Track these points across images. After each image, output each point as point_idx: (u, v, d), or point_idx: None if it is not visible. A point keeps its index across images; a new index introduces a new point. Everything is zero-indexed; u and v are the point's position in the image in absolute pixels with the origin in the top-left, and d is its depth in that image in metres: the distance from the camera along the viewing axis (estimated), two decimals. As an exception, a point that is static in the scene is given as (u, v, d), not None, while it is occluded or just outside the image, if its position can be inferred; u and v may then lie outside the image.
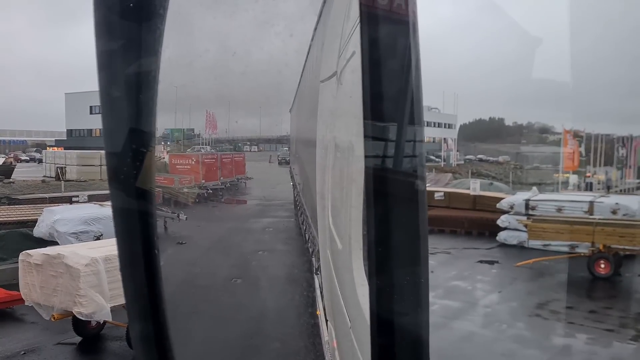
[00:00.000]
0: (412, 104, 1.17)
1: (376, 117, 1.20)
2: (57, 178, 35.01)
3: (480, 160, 56.60)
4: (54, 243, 14.86)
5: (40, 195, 24.62)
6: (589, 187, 32.85)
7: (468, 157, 58.96)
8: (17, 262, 11.42)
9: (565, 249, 18.31)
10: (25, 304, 11.33)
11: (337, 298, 2.72)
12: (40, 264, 10.74)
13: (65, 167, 37.72)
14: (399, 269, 1.21)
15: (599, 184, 35.11)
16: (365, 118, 1.20)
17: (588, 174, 36.26)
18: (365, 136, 1.22)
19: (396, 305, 1.23)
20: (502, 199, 22.73)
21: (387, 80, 1.18)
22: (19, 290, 11.55)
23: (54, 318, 10.72)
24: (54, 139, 75.81)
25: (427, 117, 65.96)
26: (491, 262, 19.11)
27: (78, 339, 11.36)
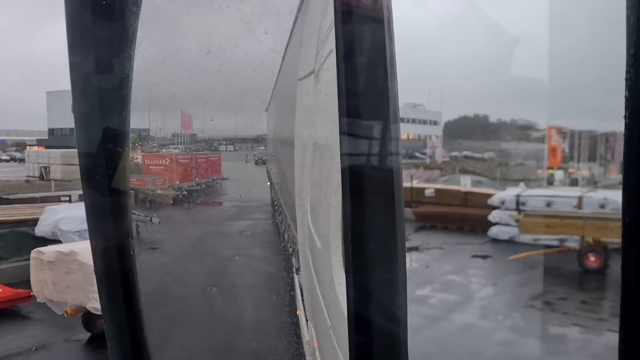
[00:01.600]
0: (387, 101, 1.16)
1: (352, 114, 1.19)
2: (42, 178, 34.61)
3: (466, 157, 56.99)
4: (56, 242, 14.81)
5: (31, 195, 24.43)
6: (574, 183, 33.26)
7: (453, 154, 59.30)
8: (18, 261, 12.11)
9: (555, 242, 18.68)
10: (38, 300, 11.56)
11: (317, 297, 2.71)
12: (53, 261, 10.98)
13: (49, 167, 37.29)
14: (375, 268, 1.21)
15: (582, 179, 35.51)
16: (340, 115, 1.19)
17: (571, 170, 36.68)
18: (341, 134, 1.21)
19: (373, 303, 1.22)
20: (492, 195, 23.06)
21: (362, 77, 1.17)
22: (21, 289, 11.91)
23: (67, 314, 11.02)
24: (35, 138, 74.81)
25: (412, 114, 66.28)
26: (484, 257, 19.52)
27: (87, 335, 11.51)
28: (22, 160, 48.25)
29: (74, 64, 1.49)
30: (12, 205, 19.99)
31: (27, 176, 38.13)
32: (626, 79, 0.97)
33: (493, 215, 21.69)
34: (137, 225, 1.63)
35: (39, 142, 67.65)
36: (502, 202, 21.58)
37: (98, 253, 1.58)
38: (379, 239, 1.20)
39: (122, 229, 1.56)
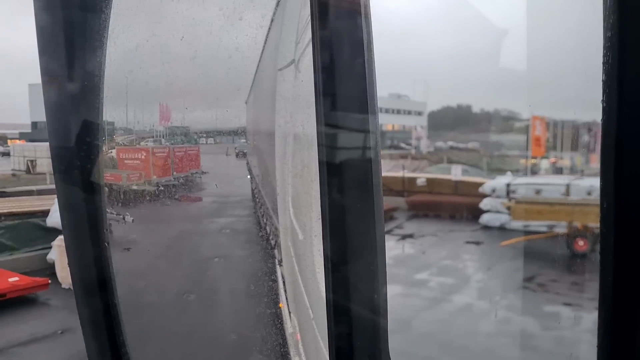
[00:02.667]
0: (365, 90, 1.15)
1: (329, 104, 1.17)
2: (28, 171, 34.21)
3: (451, 147, 57.32)
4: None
5: (28, 187, 24.26)
6: (559, 172, 33.71)
7: (438, 144, 59.56)
8: (30, 251, 13.16)
9: (545, 228, 19.17)
10: (63, 287, 12.31)
11: (299, 289, 2.70)
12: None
13: (35, 160, 36.85)
14: (354, 257, 1.19)
15: (565, 168, 35.89)
16: (317, 105, 1.17)
17: (553, 160, 37.04)
18: (318, 123, 1.19)
19: (353, 293, 1.20)
20: (481, 184, 23.46)
21: (339, 67, 1.15)
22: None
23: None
24: (17, 131, 73.64)
25: (397, 104, 66.36)
26: (477, 243, 20.17)
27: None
28: (5, 154, 47.46)
29: (43, 51, 1.45)
30: (17, 198, 20.26)
31: (13, 170, 37.64)
32: (603, 63, 0.97)
33: (484, 203, 22.05)
34: (110, 224, 1.59)
35: (22, 136, 66.68)
36: (493, 190, 22.02)
37: (72, 247, 1.54)
38: (358, 228, 1.18)
39: (96, 222, 1.52)
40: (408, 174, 29.17)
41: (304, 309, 2.49)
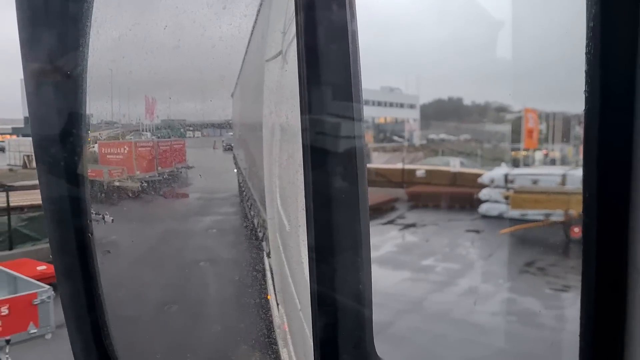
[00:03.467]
0: (350, 80, 1.14)
1: (314, 94, 1.16)
2: (25, 166, 34.03)
3: (443, 140, 57.42)
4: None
5: (34, 182, 24.15)
6: (552, 163, 34.14)
7: (431, 136, 59.61)
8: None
9: (542, 217, 19.63)
10: None
11: (286, 280, 2.70)
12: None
13: (32, 155, 36.59)
14: (338, 247, 1.18)
15: (557, 160, 36.17)
16: (302, 95, 1.16)
17: (544, 151, 37.24)
18: (303, 114, 1.18)
19: (338, 284, 1.20)
20: (479, 175, 24.02)
21: (324, 57, 1.14)
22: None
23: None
24: (9, 127, 72.94)
25: (389, 97, 66.29)
26: (477, 231, 21.05)
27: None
28: (0, 149, 47.11)
29: (25, 41, 1.42)
30: (34, 191, 20.04)
31: (9, 165, 37.42)
32: (586, 54, 0.96)
33: (483, 193, 22.62)
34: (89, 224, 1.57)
35: (14, 131, 66.13)
36: (492, 181, 22.63)
37: (55, 239, 1.53)
38: (343, 218, 1.18)
39: (80, 215, 1.51)
40: (408, 166, 30.06)
41: (292, 300, 2.49)
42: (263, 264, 3.25)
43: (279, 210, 2.87)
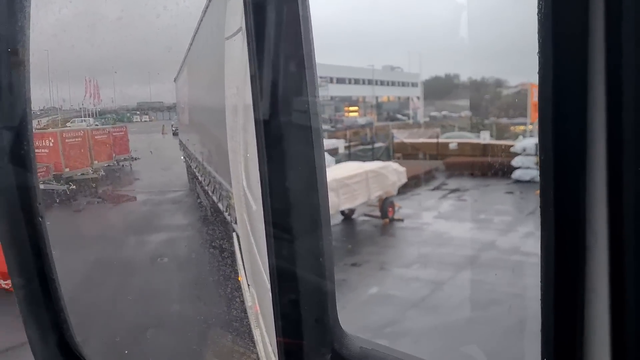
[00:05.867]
0: (302, 57, 1.12)
1: (264, 67, 1.13)
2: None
3: (445, 116, 57.23)
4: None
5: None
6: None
7: (433, 113, 59.38)
8: None
9: None
10: None
11: (255, 261, 2.66)
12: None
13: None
14: (296, 221, 1.16)
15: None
16: (252, 73, 1.13)
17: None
18: (254, 88, 1.16)
19: (298, 259, 1.18)
20: (508, 145, 26.98)
21: (275, 34, 1.13)
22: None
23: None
24: None
25: (390, 76, 65.88)
26: (515, 193, 23.41)
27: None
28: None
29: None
30: None
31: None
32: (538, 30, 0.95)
33: (516, 161, 24.74)
34: (39, 203, 1.55)
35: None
36: (524, 149, 24.99)
37: (4, 221, 1.50)
38: (299, 191, 1.15)
39: (28, 197, 1.48)
40: (442, 140, 33.43)
41: (262, 281, 2.46)
42: (232, 246, 3.22)
43: (245, 190, 2.82)
